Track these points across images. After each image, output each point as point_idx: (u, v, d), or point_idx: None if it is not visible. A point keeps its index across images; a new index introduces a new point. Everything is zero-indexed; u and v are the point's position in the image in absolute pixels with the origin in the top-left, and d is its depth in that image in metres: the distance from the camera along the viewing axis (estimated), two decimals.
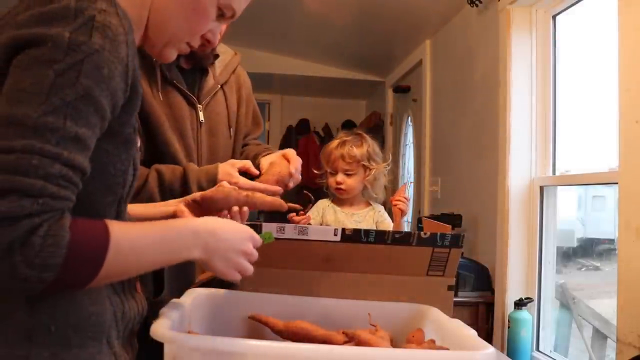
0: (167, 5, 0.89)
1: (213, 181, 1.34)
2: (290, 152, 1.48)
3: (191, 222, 0.90)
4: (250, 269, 0.94)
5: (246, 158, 1.59)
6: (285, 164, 1.43)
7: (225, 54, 1.62)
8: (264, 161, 1.48)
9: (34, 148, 0.67)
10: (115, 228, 0.75)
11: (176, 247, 0.84)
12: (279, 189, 1.36)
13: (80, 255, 0.70)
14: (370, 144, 2.08)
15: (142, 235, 0.80)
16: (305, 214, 2.01)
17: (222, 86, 1.57)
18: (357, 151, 2.04)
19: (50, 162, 0.67)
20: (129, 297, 0.90)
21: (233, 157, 1.61)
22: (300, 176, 1.46)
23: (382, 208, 2.13)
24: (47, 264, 0.67)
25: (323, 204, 2.14)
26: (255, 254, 0.95)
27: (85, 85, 0.70)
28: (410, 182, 4.46)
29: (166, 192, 1.34)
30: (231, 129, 1.59)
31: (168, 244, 0.83)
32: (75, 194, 0.71)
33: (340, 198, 2.11)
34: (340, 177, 2.05)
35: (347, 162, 2.03)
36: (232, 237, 0.91)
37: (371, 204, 2.13)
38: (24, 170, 0.66)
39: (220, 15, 0.96)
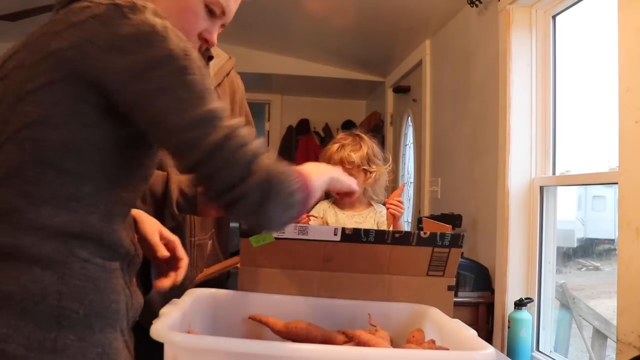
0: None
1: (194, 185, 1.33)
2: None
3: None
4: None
5: None
6: None
7: (219, 57, 1.62)
8: None
9: (232, 126, 0.84)
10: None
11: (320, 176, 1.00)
12: None
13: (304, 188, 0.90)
14: (369, 146, 2.06)
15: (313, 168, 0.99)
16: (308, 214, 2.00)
17: (214, 88, 1.57)
18: (356, 156, 2.01)
19: (238, 130, 0.85)
20: (134, 290, 0.94)
21: None
22: None
23: (383, 208, 2.12)
24: (292, 202, 0.87)
25: (323, 206, 2.13)
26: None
27: (196, 75, 0.84)
28: (411, 183, 4.46)
29: (146, 195, 1.33)
30: None
31: (319, 174, 1.00)
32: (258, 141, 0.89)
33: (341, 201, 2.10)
34: None
35: (347, 167, 2.00)
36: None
37: (372, 205, 2.12)
38: (245, 141, 0.84)
39: (210, 13, 1.01)
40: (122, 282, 0.90)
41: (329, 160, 2.04)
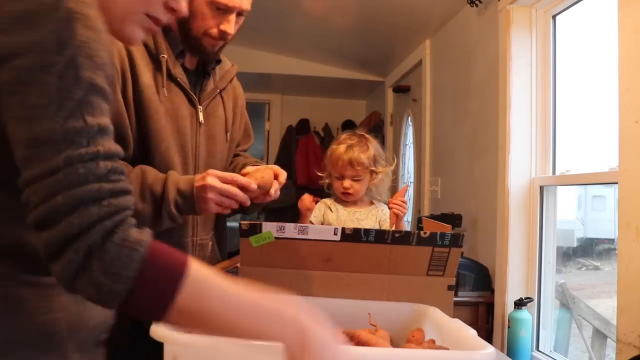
0: None
1: (190, 183, 1.32)
2: (279, 169, 1.47)
3: (288, 306, 0.76)
4: None
5: (234, 168, 1.61)
6: (270, 173, 1.43)
7: (225, 62, 1.64)
8: (250, 169, 1.47)
9: (74, 157, 0.67)
10: (196, 265, 0.71)
11: (269, 314, 0.74)
12: (256, 189, 1.35)
13: (155, 275, 0.68)
14: (375, 147, 2.06)
15: (228, 285, 0.73)
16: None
17: (220, 92, 1.59)
18: (364, 157, 2.01)
19: (93, 164, 0.68)
20: (91, 305, 0.78)
21: (227, 162, 1.62)
22: (279, 194, 1.45)
23: (385, 207, 2.12)
24: (120, 274, 0.66)
25: (325, 203, 2.13)
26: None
27: (87, 77, 0.69)
28: (411, 182, 4.46)
29: (146, 193, 1.33)
30: (228, 134, 1.60)
31: (259, 307, 0.74)
32: (126, 180, 0.72)
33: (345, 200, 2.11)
34: (347, 182, 2.02)
35: (356, 168, 2.00)
36: (328, 337, 0.78)
37: (374, 203, 2.12)
38: (76, 182, 0.67)
39: None
40: (62, 300, 0.79)
41: (337, 161, 2.03)
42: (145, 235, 0.70)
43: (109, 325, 0.90)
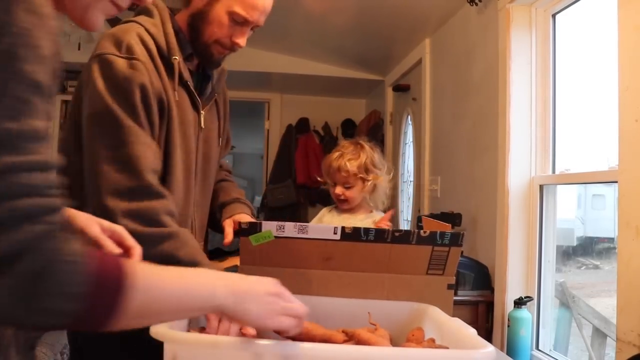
0: None
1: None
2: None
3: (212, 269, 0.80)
4: (296, 314, 0.84)
5: (221, 200, 1.62)
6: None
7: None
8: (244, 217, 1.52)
9: (10, 165, 0.58)
10: (129, 261, 0.70)
11: (200, 282, 0.76)
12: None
13: (100, 284, 0.64)
14: (368, 155, 2.08)
15: (157, 269, 0.73)
16: None
17: (215, 99, 1.56)
18: (352, 165, 2.05)
19: (27, 174, 0.59)
20: None
21: (217, 167, 1.62)
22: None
23: (381, 214, 2.14)
24: (70, 292, 0.61)
25: (324, 211, 2.19)
26: (293, 301, 0.85)
27: (27, 72, 0.60)
28: (411, 181, 4.46)
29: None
30: (220, 139, 1.59)
31: (190, 279, 0.75)
32: (60, 194, 0.64)
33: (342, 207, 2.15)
34: (339, 189, 2.07)
35: (344, 175, 2.05)
36: (258, 279, 0.82)
37: (372, 211, 2.15)
38: (15, 194, 0.59)
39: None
40: None
41: (328, 168, 2.09)
42: (80, 246, 0.64)
43: (42, 332, 0.90)
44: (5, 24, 0.58)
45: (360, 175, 2.05)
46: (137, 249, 1.00)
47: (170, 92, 1.37)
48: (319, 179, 2.23)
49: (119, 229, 0.99)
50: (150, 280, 0.70)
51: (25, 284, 0.59)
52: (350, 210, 2.12)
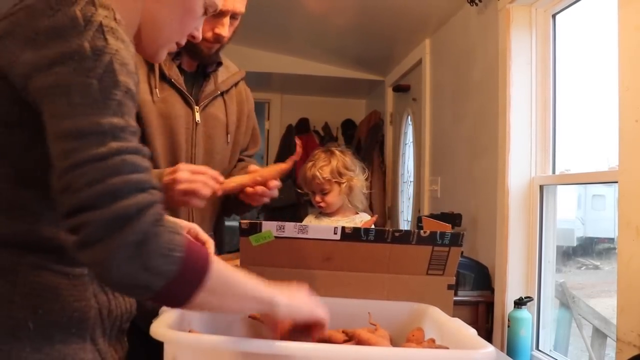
0: (159, 11, 0.92)
1: (159, 177, 1.31)
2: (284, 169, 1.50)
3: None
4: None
5: (236, 169, 1.64)
6: (275, 168, 1.46)
7: (230, 67, 1.67)
8: (255, 167, 1.52)
9: (120, 149, 0.73)
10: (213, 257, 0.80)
11: (257, 282, 0.87)
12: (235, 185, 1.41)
13: (192, 256, 0.75)
14: (339, 159, 2.18)
15: (229, 268, 0.84)
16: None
17: (222, 94, 1.61)
18: (325, 171, 2.15)
19: (134, 157, 0.74)
20: (117, 295, 0.91)
21: (229, 165, 1.65)
22: (276, 193, 1.47)
23: (365, 215, 2.23)
24: (171, 255, 0.72)
25: (310, 217, 2.29)
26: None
27: (123, 81, 0.76)
28: (411, 181, 4.46)
29: None
30: (229, 136, 1.62)
31: (249, 278, 0.86)
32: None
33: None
34: (317, 197, 2.19)
35: (318, 183, 2.16)
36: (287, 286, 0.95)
37: (358, 213, 2.21)
38: (125, 170, 0.72)
39: (204, 12, 1.00)
40: (93, 289, 0.87)
41: (304, 178, 2.21)
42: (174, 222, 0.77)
43: (131, 316, 0.96)
44: (104, 47, 0.76)
45: (335, 179, 2.15)
46: (210, 243, 1.14)
47: (143, 86, 1.44)
48: (299, 190, 2.34)
49: (194, 226, 1.14)
50: (224, 269, 0.81)
51: (138, 244, 0.70)
52: (333, 213, 2.21)
